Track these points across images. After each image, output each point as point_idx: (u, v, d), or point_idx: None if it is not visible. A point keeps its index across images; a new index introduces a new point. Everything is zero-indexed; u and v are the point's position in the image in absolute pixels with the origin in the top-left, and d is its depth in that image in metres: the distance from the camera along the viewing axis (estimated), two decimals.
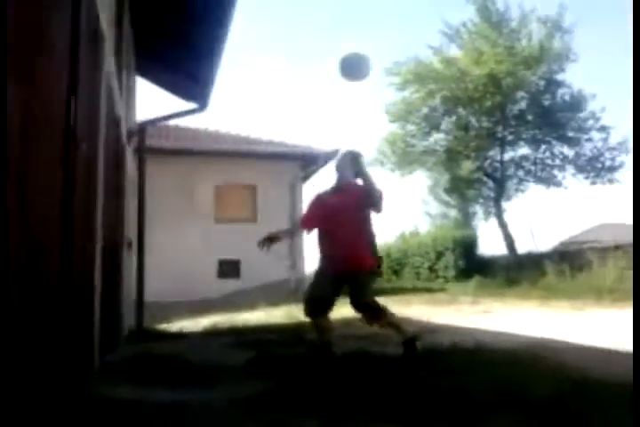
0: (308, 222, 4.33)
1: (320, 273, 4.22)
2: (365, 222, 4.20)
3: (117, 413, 2.62)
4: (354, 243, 4.07)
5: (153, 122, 8.24)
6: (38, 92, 1.88)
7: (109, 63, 4.29)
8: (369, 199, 4.10)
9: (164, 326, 7.29)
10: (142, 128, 7.87)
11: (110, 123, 4.46)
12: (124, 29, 6.18)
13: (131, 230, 7.02)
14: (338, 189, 4.32)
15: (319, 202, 4.34)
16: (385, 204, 4.16)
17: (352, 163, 4.26)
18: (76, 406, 2.55)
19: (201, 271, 12.49)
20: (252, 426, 2.41)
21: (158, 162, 8.10)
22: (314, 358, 3.91)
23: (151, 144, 8.25)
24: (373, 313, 4.04)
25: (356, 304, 4.02)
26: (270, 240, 4.09)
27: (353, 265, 4.03)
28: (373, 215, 4.24)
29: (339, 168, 4.33)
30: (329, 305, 4.10)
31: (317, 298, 4.09)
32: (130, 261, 7.08)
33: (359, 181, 4.23)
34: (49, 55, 2.06)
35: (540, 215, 46.32)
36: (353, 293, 4.06)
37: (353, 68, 4.23)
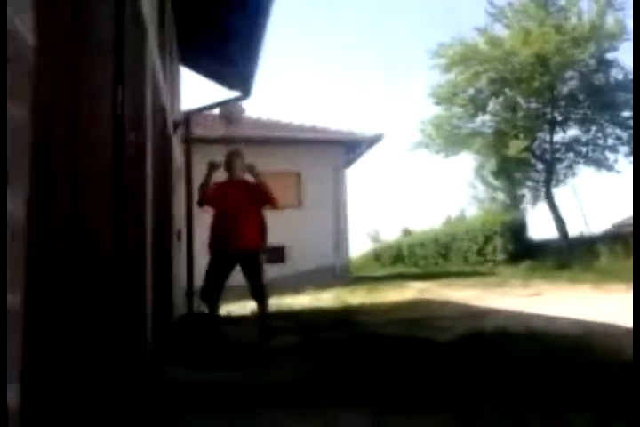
0: (206, 201, 4.87)
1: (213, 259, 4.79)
2: (259, 214, 4.82)
3: (171, 392, 2.69)
4: (249, 228, 4.67)
5: (198, 111, 8.33)
6: (85, 82, 1.92)
7: (154, 53, 4.35)
8: (264, 197, 4.77)
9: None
10: (188, 117, 7.97)
11: (156, 112, 4.53)
12: (167, 19, 6.25)
13: (179, 219, 7.15)
14: (234, 182, 4.90)
15: (218, 188, 4.88)
16: (277, 200, 4.85)
17: (241, 162, 4.89)
18: (131, 387, 2.64)
19: None
20: (296, 408, 2.44)
21: (204, 151, 8.19)
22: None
23: (196, 133, 8.36)
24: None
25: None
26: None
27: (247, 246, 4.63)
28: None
29: (230, 167, 4.89)
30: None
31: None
32: (179, 248, 7.22)
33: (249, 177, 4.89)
34: (94, 45, 2.10)
35: (592, 197, 44.91)
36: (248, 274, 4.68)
37: (227, 114, 5.11)
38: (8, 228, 0.92)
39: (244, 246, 4.62)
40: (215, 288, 4.71)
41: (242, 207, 4.68)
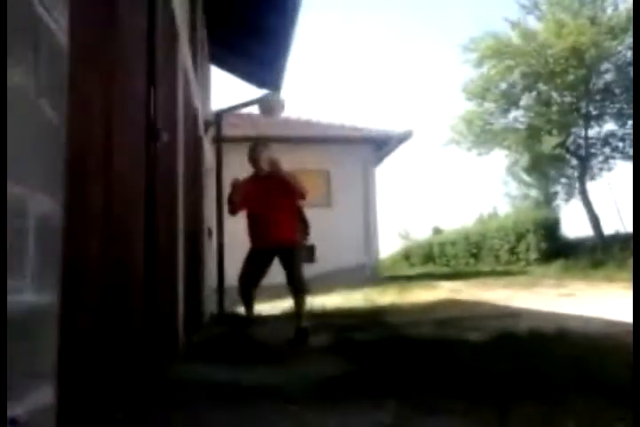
0: (240, 206, 4.72)
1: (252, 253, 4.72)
2: (293, 207, 4.74)
3: (198, 393, 2.71)
4: (283, 223, 4.60)
5: (228, 110, 8.36)
6: (118, 83, 1.94)
7: (185, 53, 4.38)
8: (295, 189, 4.61)
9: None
10: (219, 117, 8.02)
11: (188, 113, 4.57)
12: (198, 18, 6.30)
13: (210, 218, 7.21)
14: (260, 177, 4.74)
15: (246, 188, 4.72)
16: (304, 191, 4.68)
17: (267, 152, 4.77)
18: (159, 386, 2.67)
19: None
20: (327, 409, 2.43)
21: (233, 150, 8.24)
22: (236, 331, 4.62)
23: (225, 132, 8.40)
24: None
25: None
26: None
27: (283, 241, 4.60)
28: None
29: (255, 158, 4.79)
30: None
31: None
32: (210, 247, 7.28)
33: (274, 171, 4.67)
34: (127, 47, 2.12)
35: (628, 194, 43.82)
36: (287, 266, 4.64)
37: (268, 107, 5.07)
38: (45, 228, 0.93)
39: (281, 243, 4.60)
40: (250, 283, 4.67)
41: (274, 205, 4.60)
